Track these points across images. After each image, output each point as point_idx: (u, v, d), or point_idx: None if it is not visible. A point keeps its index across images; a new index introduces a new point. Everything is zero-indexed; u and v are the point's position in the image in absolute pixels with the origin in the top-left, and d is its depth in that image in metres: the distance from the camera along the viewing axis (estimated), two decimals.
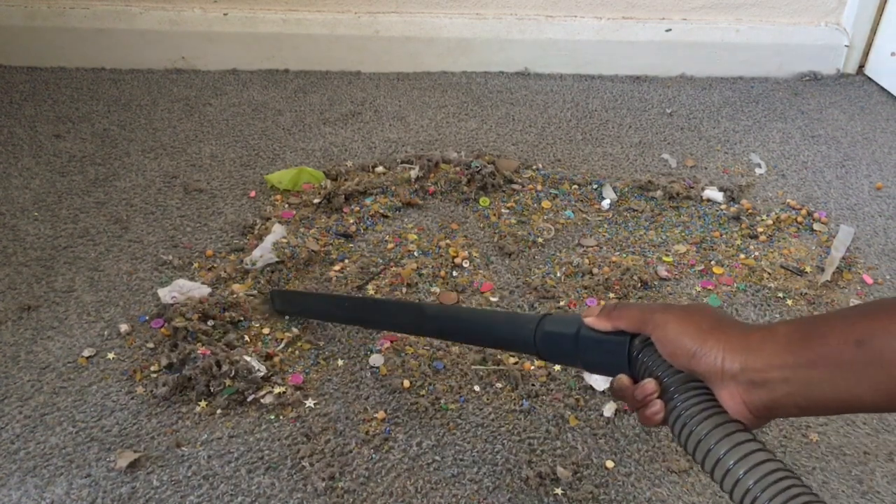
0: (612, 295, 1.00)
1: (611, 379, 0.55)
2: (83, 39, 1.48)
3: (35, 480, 0.74)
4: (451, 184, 1.19)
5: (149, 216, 1.12)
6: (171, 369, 0.85)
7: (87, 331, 0.91)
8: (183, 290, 0.94)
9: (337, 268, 1.03)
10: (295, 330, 0.93)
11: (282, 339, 0.91)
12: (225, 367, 0.83)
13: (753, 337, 0.46)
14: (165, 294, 0.94)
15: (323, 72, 1.56)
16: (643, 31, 1.58)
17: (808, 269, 1.07)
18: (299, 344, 0.91)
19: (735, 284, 1.04)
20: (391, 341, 0.92)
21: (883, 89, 1.60)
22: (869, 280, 1.06)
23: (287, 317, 0.94)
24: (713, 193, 1.20)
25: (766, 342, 0.45)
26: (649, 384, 0.50)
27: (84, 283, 0.99)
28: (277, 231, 1.06)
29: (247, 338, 0.90)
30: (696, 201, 1.20)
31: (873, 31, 1.63)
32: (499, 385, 0.87)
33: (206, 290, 0.95)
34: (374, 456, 0.78)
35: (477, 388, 0.86)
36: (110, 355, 0.88)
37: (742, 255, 1.09)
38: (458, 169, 1.21)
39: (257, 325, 0.93)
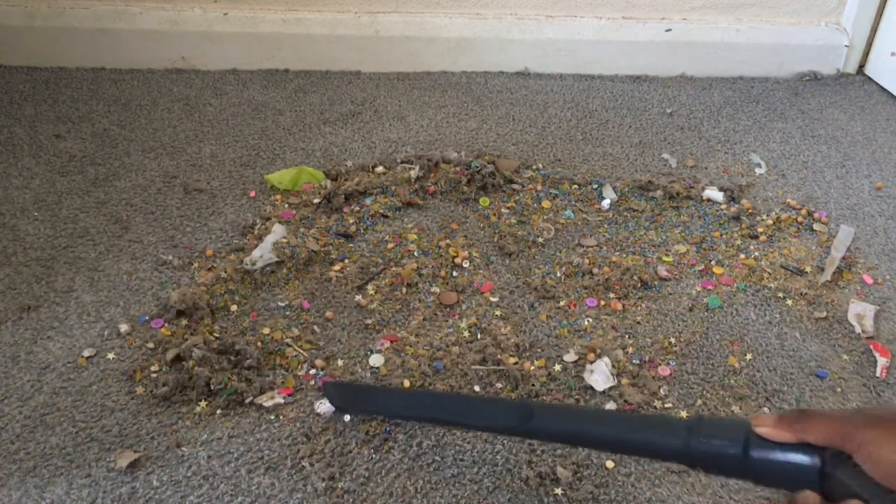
0: (612, 295, 1.00)
1: (791, 495, 0.47)
2: (83, 39, 1.48)
3: (35, 480, 0.74)
4: (451, 184, 1.19)
5: (149, 216, 1.12)
6: (173, 365, 0.86)
7: (87, 331, 0.91)
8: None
9: (337, 268, 1.03)
10: (295, 330, 0.93)
11: (282, 340, 0.91)
12: (223, 374, 0.83)
13: None
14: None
15: (323, 72, 1.56)
16: (643, 31, 1.57)
17: (808, 269, 1.07)
18: (299, 344, 0.91)
19: (735, 284, 1.04)
20: (391, 341, 0.92)
21: (883, 89, 1.60)
22: (869, 280, 1.06)
23: (348, 415, 0.82)
24: (713, 193, 1.20)
25: None
26: None
27: (84, 283, 0.99)
28: (277, 231, 1.06)
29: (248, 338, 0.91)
30: (696, 201, 1.20)
31: (873, 31, 1.63)
32: (499, 385, 0.87)
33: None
34: (374, 456, 0.78)
35: (477, 388, 0.86)
36: (110, 355, 0.88)
37: (742, 255, 1.09)
38: (458, 169, 1.21)
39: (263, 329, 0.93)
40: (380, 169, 1.23)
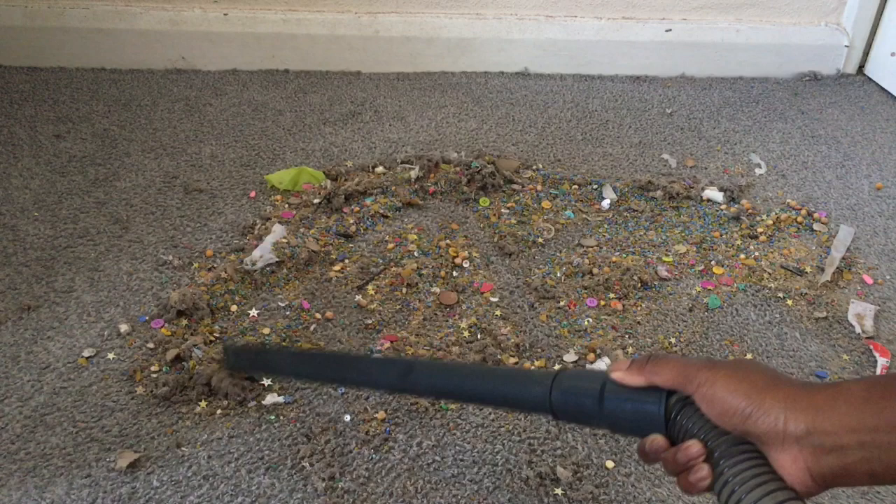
0: (612, 295, 1.00)
1: (641, 440, 0.49)
2: (83, 39, 1.48)
3: (35, 480, 0.74)
4: (451, 184, 1.19)
5: (149, 216, 1.12)
6: (174, 364, 0.86)
7: (87, 331, 0.91)
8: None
9: (337, 268, 1.03)
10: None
11: (282, 341, 0.91)
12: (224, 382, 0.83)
13: (820, 395, 0.41)
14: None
15: (323, 72, 1.56)
16: (643, 31, 1.57)
17: (808, 269, 1.07)
18: (299, 345, 0.91)
19: (735, 284, 1.04)
20: (391, 341, 0.92)
21: (883, 89, 1.60)
22: (869, 280, 1.06)
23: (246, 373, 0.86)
24: (713, 193, 1.20)
25: (837, 401, 0.40)
26: (694, 446, 0.44)
27: (84, 283, 0.99)
28: (277, 231, 1.06)
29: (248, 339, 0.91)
30: (696, 201, 1.20)
31: (873, 31, 1.63)
32: None
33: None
34: (374, 456, 0.78)
35: None
36: (110, 355, 0.88)
37: (742, 255, 1.09)
38: (458, 169, 1.21)
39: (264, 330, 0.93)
40: (380, 169, 1.23)
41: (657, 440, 0.47)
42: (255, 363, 0.82)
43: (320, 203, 1.14)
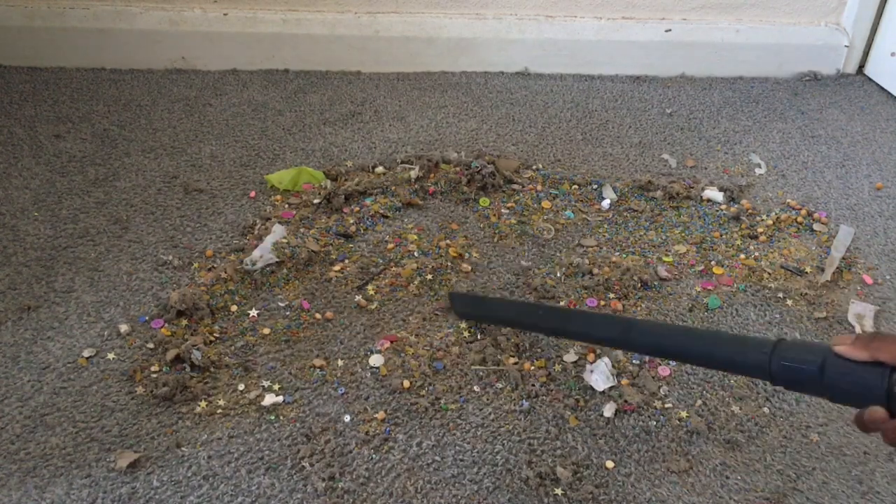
0: (612, 295, 1.00)
1: (860, 411, 0.53)
2: (83, 39, 1.48)
3: (35, 481, 0.74)
4: (451, 184, 1.19)
5: (149, 216, 1.12)
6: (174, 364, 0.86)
7: (87, 331, 0.91)
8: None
9: (337, 268, 1.03)
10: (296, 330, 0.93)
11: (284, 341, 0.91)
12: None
13: None
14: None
15: (323, 72, 1.55)
16: (643, 31, 1.57)
17: (808, 269, 1.07)
18: (299, 345, 0.91)
19: (735, 285, 1.04)
20: (391, 341, 0.92)
21: (883, 89, 1.60)
22: (869, 280, 1.06)
23: (468, 321, 0.93)
24: (713, 193, 1.20)
25: None
26: None
27: (84, 283, 0.99)
28: (277, 231, 1.06)
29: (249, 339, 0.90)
30: (696, 201, 1.20)
31: (873, 31, 1.63)
32: (499, 385, 0.87)
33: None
34: (374, 456, 0.78)
35: (477, 388, 0.86)
36: (110, 355, 0.88)
37: (742, 256, 1.09)
38: (458, 169, 1.21)
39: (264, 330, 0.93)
40: (380, 169, 1.23)
41: (878, 412, 0.51)
42: (479, 310, 0.91)
43: (320, 203, 1.14)
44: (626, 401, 0.85)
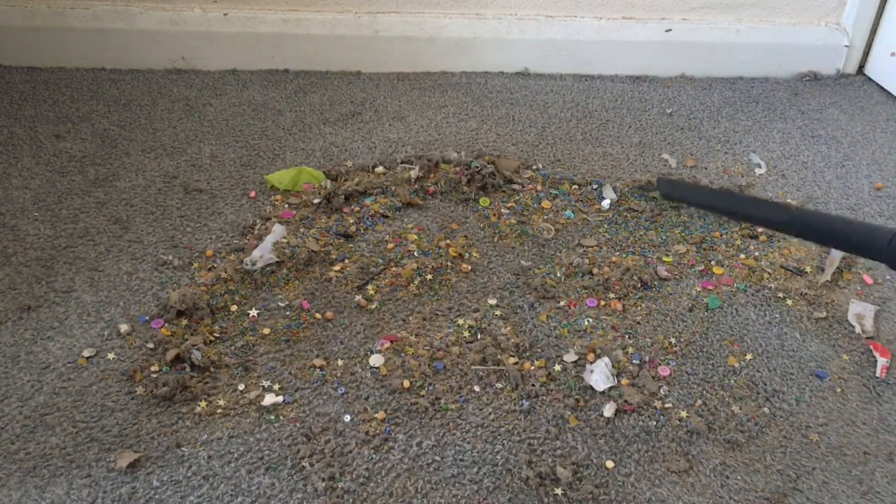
0: (612, 295, 1.00)
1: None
2: (83, 39, 1.48)
3: (35, 481, 0.74)
4: (451, 184, 1.19)
5: (149, 216, 1.12)
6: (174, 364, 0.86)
7: (87, 331, 0.91)
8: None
9: (337, 268, 1.03)
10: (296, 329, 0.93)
11: (285, 341, 0.91)
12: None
13: None
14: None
15: (323, 72, 1.55)
16: (643, 31, 1.57)
17: (808, 269, 1.07)
18: (299, 345, 0.91)
19: (735, 284, 1.04)
20: (391, 341, 0.92)
21: (883, 89, 1.60)
22: (869, 280, 1.06)
23: (673, 202, 1.13)
24: None
25: None
26: None
27: (84, 283, 0.99)
28: (277, 231, 1.06)
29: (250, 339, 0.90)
30: None
31: (873, 31, 1.63)
32: (499, 385, 0.87)
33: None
34: (374, 456, 0.78)
35: (477, 388, 0.86)
36: (110, 355, 0.88)
37: (742, 255, 1.09)
38: (458, 169, 1.21)
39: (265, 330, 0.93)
40: (380, 169, 1.23)
41: None
42: (684, 193, 1.01)
43: (320, 203, 1.14)
44: (626, 401, 0.85)
